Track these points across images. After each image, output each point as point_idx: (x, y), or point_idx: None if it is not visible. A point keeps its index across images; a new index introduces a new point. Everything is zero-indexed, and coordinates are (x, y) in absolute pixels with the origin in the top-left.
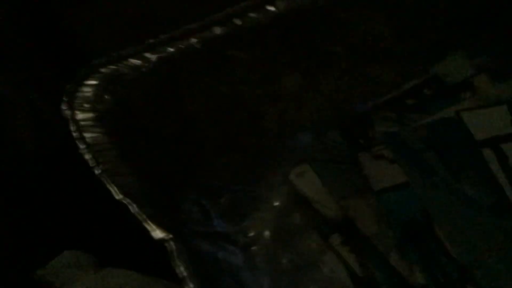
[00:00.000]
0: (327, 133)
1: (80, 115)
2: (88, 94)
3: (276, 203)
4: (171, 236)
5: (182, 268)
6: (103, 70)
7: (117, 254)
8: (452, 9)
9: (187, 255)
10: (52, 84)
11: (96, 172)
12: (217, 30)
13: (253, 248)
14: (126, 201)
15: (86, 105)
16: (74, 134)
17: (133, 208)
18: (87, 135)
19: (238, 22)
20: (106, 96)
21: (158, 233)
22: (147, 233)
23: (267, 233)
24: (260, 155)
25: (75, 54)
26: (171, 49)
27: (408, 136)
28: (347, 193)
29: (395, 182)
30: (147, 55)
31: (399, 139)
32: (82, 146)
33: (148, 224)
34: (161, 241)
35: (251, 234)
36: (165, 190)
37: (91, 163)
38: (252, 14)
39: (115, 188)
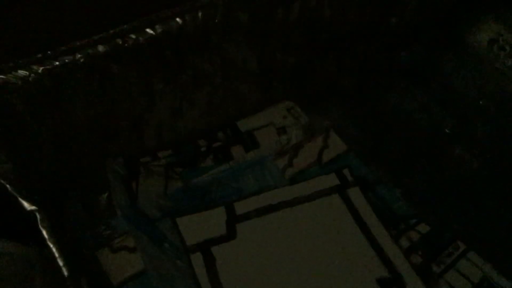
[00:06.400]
0: None
1: None
2: None
3: None
4: (37, 208)
5: (44, 232)
6: None
7: None
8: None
9: (50, 223)
10: None
11: None
12: (100, 48)
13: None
14: (1, 183)
15: None
16: None
17: (8, 188)
18: None
19: (119, 41)
20: None
21: (28, 206)
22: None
23: None
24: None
25: None
26: (56, 63)
27: (146, 205)
28: None
29: (134, 272)
30: (34, 67)
31: (137, 210)
32: None
33: (20, 199)
34: (31, 212)
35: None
36: (49, 185)
37: None
38: (132, 35)
39: None
